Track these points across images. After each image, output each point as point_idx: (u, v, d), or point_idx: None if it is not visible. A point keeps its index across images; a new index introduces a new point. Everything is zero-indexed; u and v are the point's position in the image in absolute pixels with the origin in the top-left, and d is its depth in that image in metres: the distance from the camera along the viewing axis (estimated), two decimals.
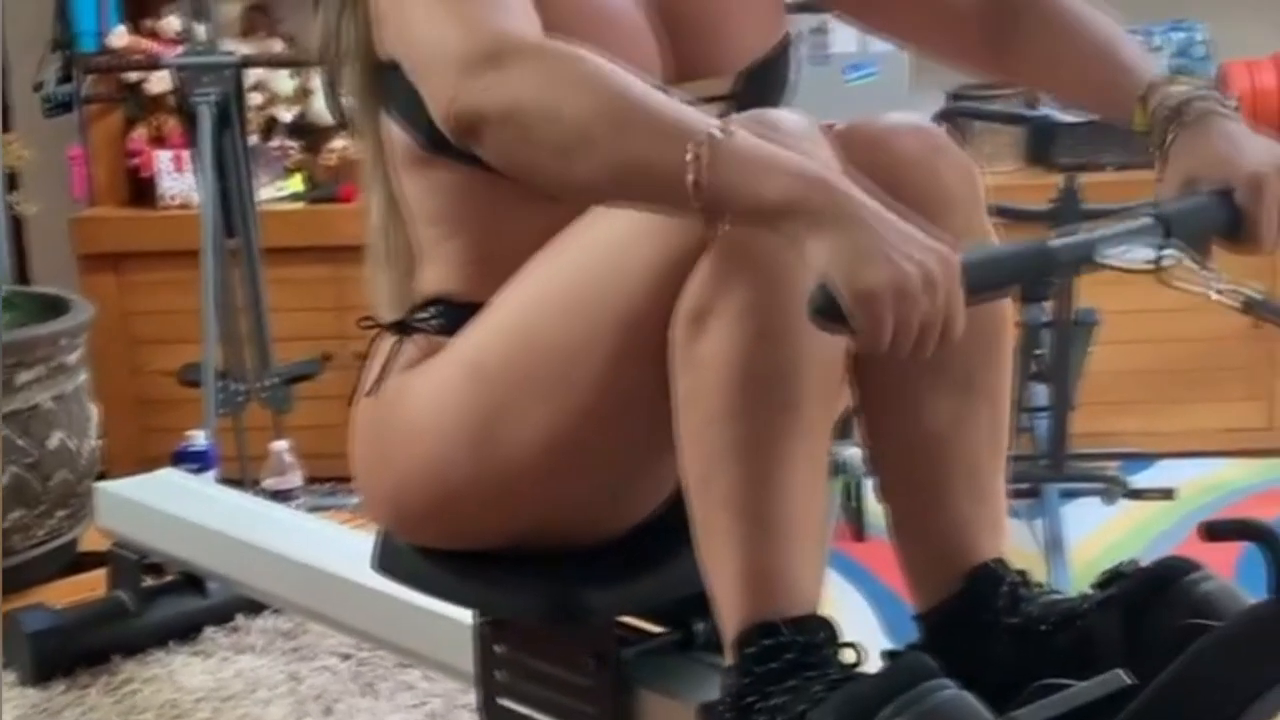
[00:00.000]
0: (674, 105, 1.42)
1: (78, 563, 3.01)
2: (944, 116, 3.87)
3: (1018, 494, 3.97)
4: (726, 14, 1.76)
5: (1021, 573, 1.69)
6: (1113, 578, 1.62)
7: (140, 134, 4.54)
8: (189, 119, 3.81)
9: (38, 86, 4.30)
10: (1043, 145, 4.51)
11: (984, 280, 1.39)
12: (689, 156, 1.36)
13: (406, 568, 1.80)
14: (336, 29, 1.71)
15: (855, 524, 3.90)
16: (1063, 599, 1.65)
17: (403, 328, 1.76)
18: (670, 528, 1.65)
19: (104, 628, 2.85)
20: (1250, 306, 1.48)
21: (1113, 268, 1.49)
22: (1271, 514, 3.72)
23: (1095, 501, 3.93)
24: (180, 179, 4.39)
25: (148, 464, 2.98)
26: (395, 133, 1.73)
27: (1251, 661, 1.42)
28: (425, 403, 1.70)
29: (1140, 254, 1.49)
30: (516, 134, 1.45)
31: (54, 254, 4.66)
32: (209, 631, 3.01)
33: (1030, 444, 4.04)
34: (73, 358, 2.59)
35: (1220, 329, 4.40)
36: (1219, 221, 1.59)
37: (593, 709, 1.77)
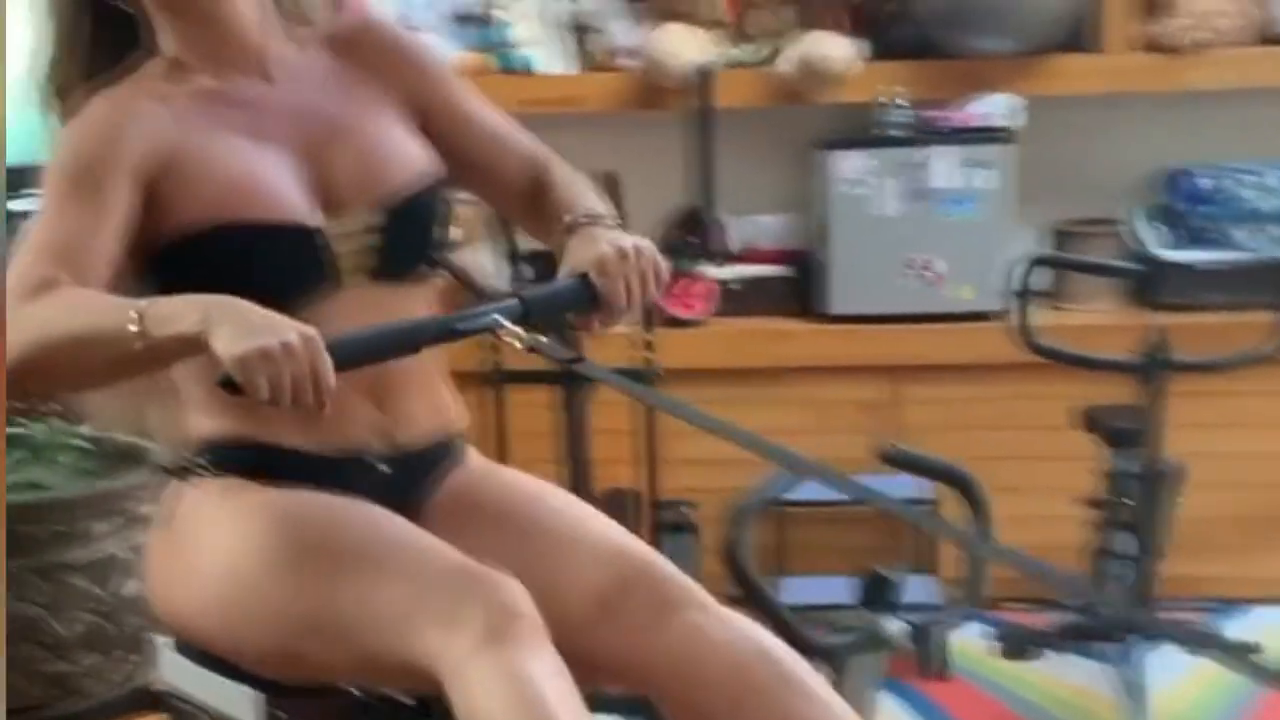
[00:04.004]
0: (109, 305, 1.92)
1: (151, 704, 3.17)
2: (1037, 264, 3.93)
3: (1101, 637, 4.04)
4: (367, 161, 2.16)
5: None
6: None
7: None
8: None
9: None
10: (1145, 283, 4.53)
11: (348, 352, 1.89)
12: (131, 328, 1.85)
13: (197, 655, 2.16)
14: None
15: (931, 662, 3.95)
16: None
17: (181, 472, 2.15)
18: None
19: None
20: (534, 349, 2.01)
21: (465, 334, 2.00)
22: None
23: (1180, 650, 3.99)
24: None
25: None
26: None
27: None
28: (194, 561, 2.07)
29: (488, 324, 2.01)
30: (36, 369, 1.93)
31: None
32: None
33: (1116, 590, 4.11)
34: (149, 509, 2.75)
35: None
36: (576, 298, 2.07)
37: None
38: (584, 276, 2.06)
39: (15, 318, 1.94)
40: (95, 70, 2.15)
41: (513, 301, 2.05)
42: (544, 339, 2.00)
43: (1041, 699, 3.92)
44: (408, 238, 2.17)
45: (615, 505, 3.83)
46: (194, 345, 1.85)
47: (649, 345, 3.87)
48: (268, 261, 2.06)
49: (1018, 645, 4.05)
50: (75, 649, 2.71)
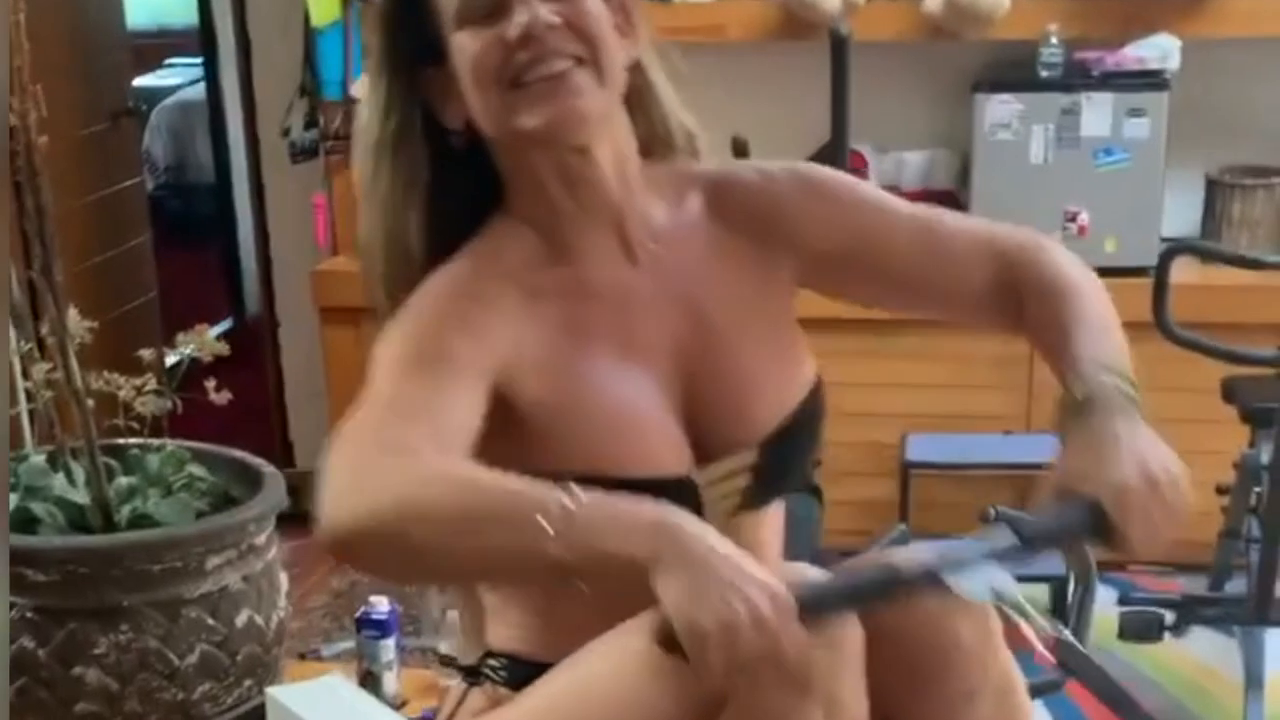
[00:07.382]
0: (521, 486, 1.63)
1: None
2: (1172, 253, 3.89)
3: (1224, 619, 4.09)
4: (746, 390, 1.94)
5: None
6: None
7: None
8: None
9: (285, 132, 4.61)
10: None
11: (819, 609, 1.61)
12: (545, 530, 1.57)
13: None
14: None
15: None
16: None
17: (474, 674, 2.02)
18: None
19: None
20: (1061, 650, 1.74)
21: (950, 590, 1.65)
22: None
23: None
24: None
25: None
26: None
27: None
28: None
29: (979, 585, 1.65)
30: (389, 539, 1.64)
31: (298, 301, 4.98)
32: None
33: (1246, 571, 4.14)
34: (261, 538, 2.87)
35: None
36: (1084, 533, 1.75)
37: None
38: (1095, 504, 1.73)
39: (372, 471, 1.66)
40: (435, 246, 1.93)
41: (1008, 541, 1.70)
42: (1058, 630, 1.75)
43: (1163, 676, 4.01)
44: (779, 471, 1.96)
45: None
46: (631, 571, 1.58)
47: None
48: None
49: (1140, 630, 4.08)
50: (191, 677, 2.82)
